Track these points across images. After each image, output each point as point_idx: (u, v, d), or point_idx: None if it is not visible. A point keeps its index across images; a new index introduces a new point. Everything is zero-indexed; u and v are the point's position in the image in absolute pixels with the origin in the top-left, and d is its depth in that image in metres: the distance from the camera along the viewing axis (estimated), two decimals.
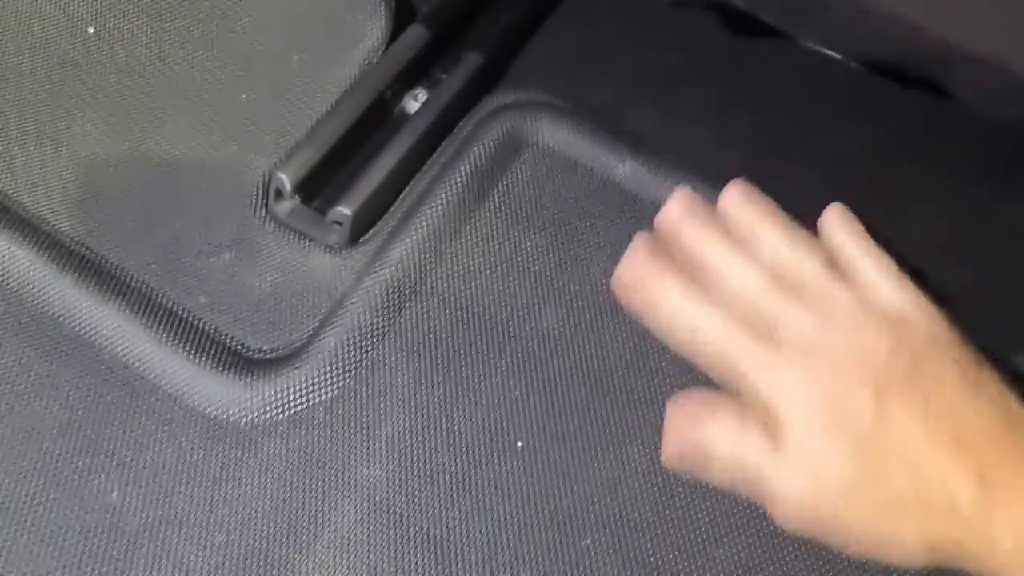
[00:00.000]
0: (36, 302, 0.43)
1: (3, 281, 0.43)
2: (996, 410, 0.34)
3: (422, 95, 0.51)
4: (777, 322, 0.34)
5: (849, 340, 0.34)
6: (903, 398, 0.33)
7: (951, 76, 0.39)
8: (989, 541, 0.32)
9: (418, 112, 0.50)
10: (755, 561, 0.38)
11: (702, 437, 0.34)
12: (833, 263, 0.36)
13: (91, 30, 0.51)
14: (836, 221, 0.38)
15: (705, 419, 0.34)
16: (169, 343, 0.42)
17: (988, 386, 0.35)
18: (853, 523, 0.33)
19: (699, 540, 0.38)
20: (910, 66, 0.40)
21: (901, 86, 0.48)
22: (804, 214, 0.48)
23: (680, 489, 0.40)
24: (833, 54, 0.50)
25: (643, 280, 0.36)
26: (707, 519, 0.39)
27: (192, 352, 0.42)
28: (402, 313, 0.44)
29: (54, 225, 0.46)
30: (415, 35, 0.52)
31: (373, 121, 0.50)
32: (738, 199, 0.37)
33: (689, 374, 0.42)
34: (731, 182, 0.38)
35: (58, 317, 0.43)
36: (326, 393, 0.42)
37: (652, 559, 0.38)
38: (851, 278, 0.36)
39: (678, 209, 0.37)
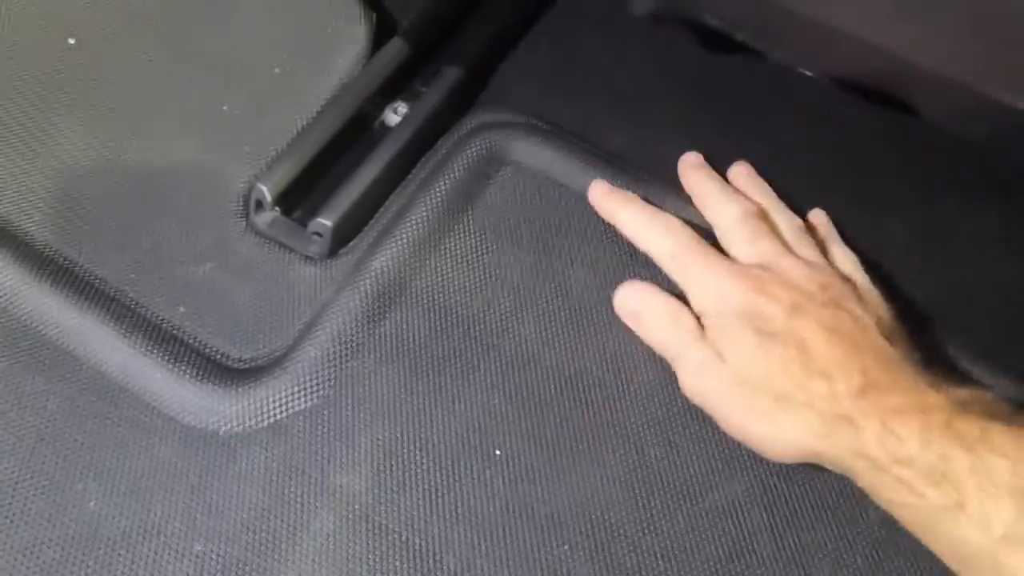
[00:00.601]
0: (14, 311, 0.43)
1: None
2: (895, 349, 0.39)
3: (402, 108, 0.52)
4: (729, 244, 0.44)
5: (783, 271, 0.42)
6: (814, 317, 0.40)
7: (919, 95, 0.40)
8: (858, 432, 0.36)
9: (398, 125, 0.51)
10: (731, 568, 0.39)
11: (643, 312, 0.44)
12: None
13: (71, 41, 0.51)
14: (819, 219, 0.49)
15: (650, 301, 0.44)
16: (148, 353, 0.42)
17: (897, 334, 0.41)
18: (742, 406, 0.39)
19: (676, 546, 0.39)
20: (879, 85, 0.41)
21: (870, 103, 0.50)
22: None
23: (657, 495, 0.40)
24: (804, 72, 0.52)
25: (614, 200, 0.47)
26: (684, 525, 0.40)
27: (171, 362, 0.42)
28: (381, 324, 0.44)
29: (33, 234, 0.45)
30: (396, 48, 0.53)
31: (353, 133, 0.50)
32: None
33: (666, 384, 0.43)
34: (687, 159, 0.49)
35: (36, 326, 0.43)
36: (306, 402, 0.42)
37: (629, 565, 0.38)
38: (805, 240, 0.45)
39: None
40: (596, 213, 0.48)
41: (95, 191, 0.47)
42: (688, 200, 0.48)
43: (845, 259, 0.46)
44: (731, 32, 0.44)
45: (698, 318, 0.42)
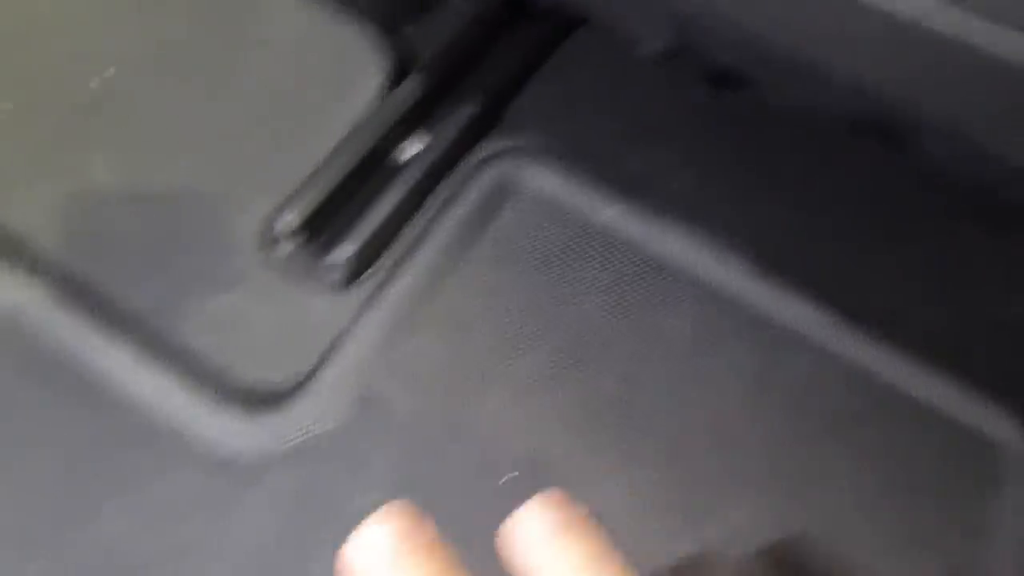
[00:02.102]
0: (46, 340, 0.45)
1: (16, 320, 0.45)
2: None
3: (419, 142, 0.53)
4: None
5: None
6: None
7: (919, 138, 0.41)
8: None
9: (415, 158, 0.52)
10: None
11: None
12: None
13: (105, 76, 0.53)
14: None
15: None
16: (174, 380, 0.44)
17: None
18: None
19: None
20: (881, 127, 0.42)
21: (878, 140, 0.51)
22: (783, 260, 0.50)
23: (660, 525, 0.41)
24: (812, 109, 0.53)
25: None
26: (688, 546, 0.40)
27: (195, 387, 0.44)
28: (396, 351, 0.45)
29: (64, 265, 0.47)
30: (414, 83, 0.54)
31: (371, 167, 0.52)
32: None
33: (677, 406, 0.44)
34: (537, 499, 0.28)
35: (68, 355, 0.45)
36: (323, 427, 0.43)
37: None
38: None
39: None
40: (605, 238, 0.49)
41: (124, 223, 0.49)
42: (696, 228, 0.49)
43: None
44: (740, 71, 0.45)
45: None
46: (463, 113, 0.54)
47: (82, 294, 0.46)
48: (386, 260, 0.50)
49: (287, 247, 0.49)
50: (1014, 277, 0.51)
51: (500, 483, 0.42)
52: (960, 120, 0.34)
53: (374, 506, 0.41)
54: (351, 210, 0.50)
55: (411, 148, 0.53)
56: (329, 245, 0.49)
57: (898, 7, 0.31)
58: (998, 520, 0.44)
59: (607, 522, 0.41)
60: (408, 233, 0.50)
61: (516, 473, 0.42)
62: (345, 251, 0.48)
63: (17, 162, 0.50)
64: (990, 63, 0.29)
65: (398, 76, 0.54)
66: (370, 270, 0.49)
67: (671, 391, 0.45)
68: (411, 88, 0.54)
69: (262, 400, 0.44)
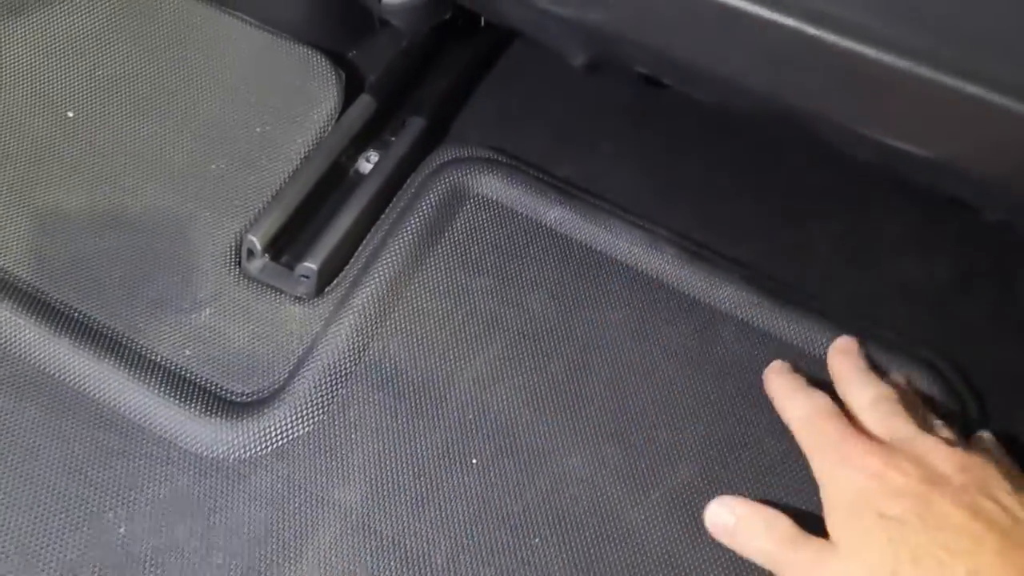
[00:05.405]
0: (37, 363, 0.48)
1: (5, 347, 0.49)
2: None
3: (374, 156, 0.57)
4: (864, 423, 0.43)
5: (916, 448, 0.40)
6: (951, 499, 0.37)
7: (812, 124, 0.46)
8: None
9: (371, 172, 0.56)
10: (677, 551, 0.45)
11: (736, 526, 0.43)
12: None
13: (70, 114, 0.57)
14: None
15: (741, 513, 0.43)
16: (160, 393, 0.48)
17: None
18: None
19: (629, 534, 0.45)
20: (785, 117, 0.47)
21: (789, 128, 0.55)
22: (710, 247, 0.55)
23: (612, 492, 0.46)
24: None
25: (776, 381, 0.48)
26: (637, 517, 0.45)
27: (181, 399, 0.47)
28: (366, 353, 0.50)
29: (47, 293, 0.51)
30: (364, 103, 0.58)
31: (331, 183, 0.56)
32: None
33: (618, 389, 0.49)
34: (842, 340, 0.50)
35: (58, 376, 0.48)
36: (303, 428, 0.47)
37: (591, 551, 0.44)
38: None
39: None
40: (550, 238, 0.54)
41: (101, 249, 0.52)
42: (632, 223, 0.54)
43: (989, 443, 0.44)
44: (658, 77, 0.50)
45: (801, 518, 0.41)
46: (413, 128, 0.58)
47: (69, 320, 0.50)
48: (351, 270, 0.54)
49: (258, 263, 0.53)
50: (919, 244, 0.56)
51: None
52: (829, 107, 0.39)
53: (352, 499, 0.45)
54: (315, 225, 0.54)
55: (366, 164, 0.57)
56: (297, 258, 0.53)
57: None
58: None
59: (565, 495, 0.46)
60: (369, 243, 0.55)
61: (475, 460, 0.46)
62: (313, 264, 0.52)
63: None
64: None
65: (348, 97, 0.58)
66: (336, 280, 0.53)
67: (614, 374, 0.49)
68: (361, 108, 0.58)
69: (244, 407, 0.48)
